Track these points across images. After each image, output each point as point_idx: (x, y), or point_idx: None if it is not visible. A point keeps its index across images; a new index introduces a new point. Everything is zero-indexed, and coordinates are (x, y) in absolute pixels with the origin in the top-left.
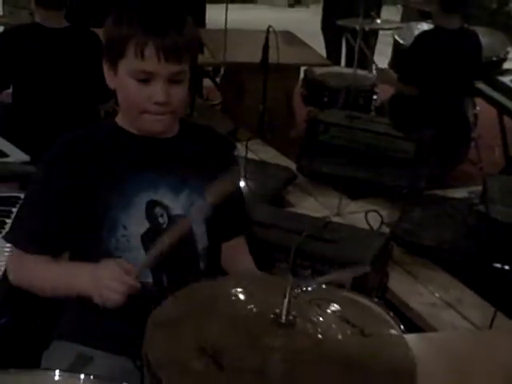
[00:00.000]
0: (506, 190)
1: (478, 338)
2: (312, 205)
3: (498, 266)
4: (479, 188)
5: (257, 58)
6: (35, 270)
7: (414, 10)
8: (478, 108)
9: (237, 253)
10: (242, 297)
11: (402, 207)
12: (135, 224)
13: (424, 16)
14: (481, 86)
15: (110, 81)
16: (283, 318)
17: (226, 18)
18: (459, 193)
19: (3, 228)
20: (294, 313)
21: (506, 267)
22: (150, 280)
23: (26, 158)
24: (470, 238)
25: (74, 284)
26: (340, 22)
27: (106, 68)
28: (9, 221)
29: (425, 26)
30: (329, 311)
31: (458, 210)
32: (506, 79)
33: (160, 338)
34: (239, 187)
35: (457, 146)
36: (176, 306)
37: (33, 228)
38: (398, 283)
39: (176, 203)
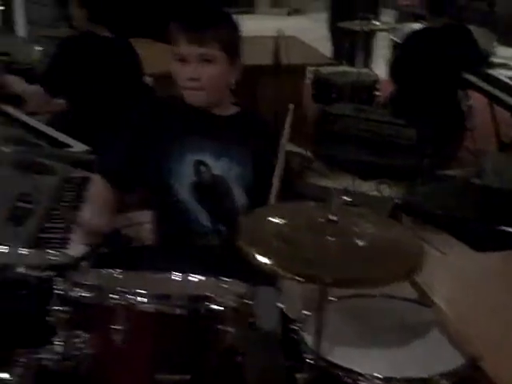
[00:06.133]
0: (498, 163)
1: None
2: (328, 185)
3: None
4: (474, 169)
5: (266, 61)
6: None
7: (407, 12)
8: (471, 101)
9: None
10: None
11: (408, 183)
12: (186, 176)
13: (417, 17)
14: (471, 78)
15: None
16: (330, 216)
17: None
18: (457, 172)
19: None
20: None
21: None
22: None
23: (86, 147)
24: (468, 205)
25: None
26: (341, 25)
27: None
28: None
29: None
30: (359, 217)
31: (456, 183)
32: (495, 72)
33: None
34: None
35: (453, 134)
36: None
37: (114, 163)
38: None
39: (216, 165)
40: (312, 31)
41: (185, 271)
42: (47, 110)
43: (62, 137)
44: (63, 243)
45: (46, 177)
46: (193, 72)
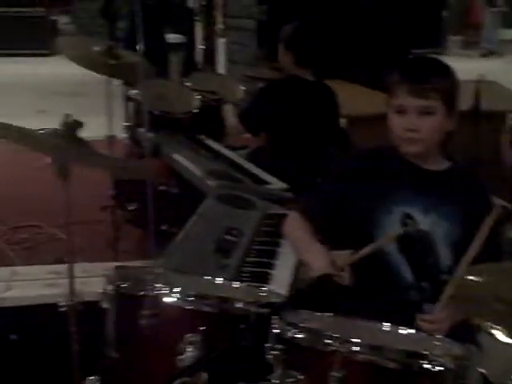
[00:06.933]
0: None
1: None
2: None
3: None
4: None
5: (464, 106)
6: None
7: None
8: None
9: None
10: None
11: None
12: (391, 228)
13: None
14: None
15: None
16: None
17: None
18: None
19: (278, 246)
20: None
21: None
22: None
23: (284, 185)
24: None
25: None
26: None
27: None
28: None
29: None
30: None
31: None
32: None
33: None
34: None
35: None
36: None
37: (319, 207)
38: None
39: (425, 221)
40: (505, 74)
41: (383, 321)
42: (243, 145)
43: (261, 173)
44: (265, 278)
45: (248, 212)
46: (412, 123)
